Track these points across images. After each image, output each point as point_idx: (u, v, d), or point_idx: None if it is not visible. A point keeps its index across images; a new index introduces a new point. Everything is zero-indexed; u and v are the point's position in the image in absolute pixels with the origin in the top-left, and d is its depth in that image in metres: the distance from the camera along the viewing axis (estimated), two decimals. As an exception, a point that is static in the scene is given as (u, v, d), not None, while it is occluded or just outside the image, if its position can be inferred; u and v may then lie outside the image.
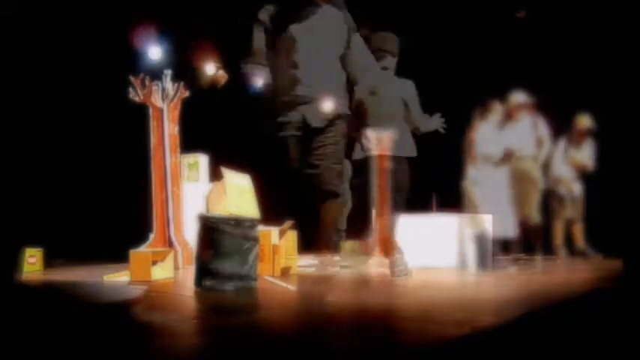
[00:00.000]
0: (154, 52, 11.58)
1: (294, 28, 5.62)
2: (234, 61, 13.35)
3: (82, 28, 10.26)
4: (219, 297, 5.71)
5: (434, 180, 13.20)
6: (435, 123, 8.12)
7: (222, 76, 13.16)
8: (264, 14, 5.78)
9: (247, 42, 13.04)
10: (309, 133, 5.60)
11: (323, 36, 5.68)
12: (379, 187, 13.35)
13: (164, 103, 9.60)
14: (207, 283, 6.05)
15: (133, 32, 10.98)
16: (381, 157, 13.34)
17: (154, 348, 3.57)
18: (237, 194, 6.61)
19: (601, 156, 10.50)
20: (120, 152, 11.12)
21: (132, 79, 9.52)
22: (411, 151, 8.04)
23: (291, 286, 6.58)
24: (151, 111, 9.60)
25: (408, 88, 7.70)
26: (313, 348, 3.50)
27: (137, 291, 6.38)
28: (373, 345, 3.50)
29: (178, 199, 9.61)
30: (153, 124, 9.61)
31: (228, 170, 6.75)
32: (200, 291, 6.03)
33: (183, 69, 10.99)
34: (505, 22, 11.44)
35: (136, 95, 9.50)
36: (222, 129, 12.64)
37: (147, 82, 9.55)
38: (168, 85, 9.69)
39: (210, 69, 13.16)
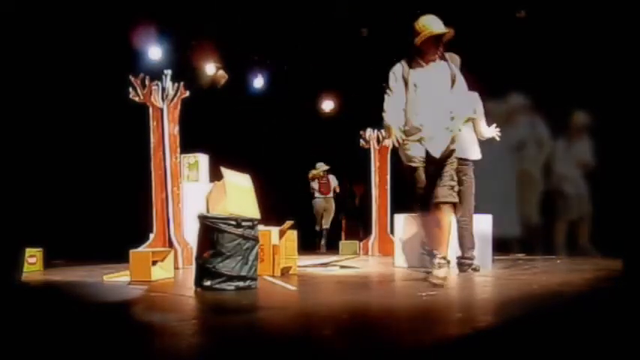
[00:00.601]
0: (154, 52, 11.60)
1: (413, 85, 6.96)
2: (234, 61, 13.37)
3: (82, 28, 10.26)
4: (219, 297, 5.71)
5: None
6: (492, 131, 8.37)
7: (222, 76, 13.19)
8: (392, 80, 7.10)
9: (252, 45, 13.08)
10: (431, 163, 6.84)
11: (435, 85, 6.92)
12: (379, 185, 13.40)
13: (164, 103, 9.60)
14: (207, 283, 6.06)
15: (134, 32, 10.99)
16: (381, 154, 13.40)
17: (154, 348, 3.57)
18: (238, 194, 6.60)
19: (601, 155, 10.49)
20: (120, 152, 11.12)
21: (132, 79, 9.53)
22: (477, 154, 8.28)
23: (291, 286, 6.58)
24: (151, 111, 9.60)
25: (474, 99, 8.01)
26: (313, 348, 3.50)
27: (137, 291, 6.38)
28: (373, 345, 3.50)
29: (178, 199, 9.62)
30: (153, 124, 9.61)
31: (229, 170, 6.75)
32: (200, 291, 6.03)
33: (183, 69, 10.99)
34: (505, 22, 11.43)
35: (136, 95, 9.50)
36: (222, 129, 12.64)
37: (147, 82, 9.56)
38: (169, 85, 9.69)
39: (211, 69, 13.19)
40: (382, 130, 13.24)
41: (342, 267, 9.19)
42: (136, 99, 9.49)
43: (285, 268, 8.06)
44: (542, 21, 11.17)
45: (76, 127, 10.96)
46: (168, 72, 9.78)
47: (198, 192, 9.23)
